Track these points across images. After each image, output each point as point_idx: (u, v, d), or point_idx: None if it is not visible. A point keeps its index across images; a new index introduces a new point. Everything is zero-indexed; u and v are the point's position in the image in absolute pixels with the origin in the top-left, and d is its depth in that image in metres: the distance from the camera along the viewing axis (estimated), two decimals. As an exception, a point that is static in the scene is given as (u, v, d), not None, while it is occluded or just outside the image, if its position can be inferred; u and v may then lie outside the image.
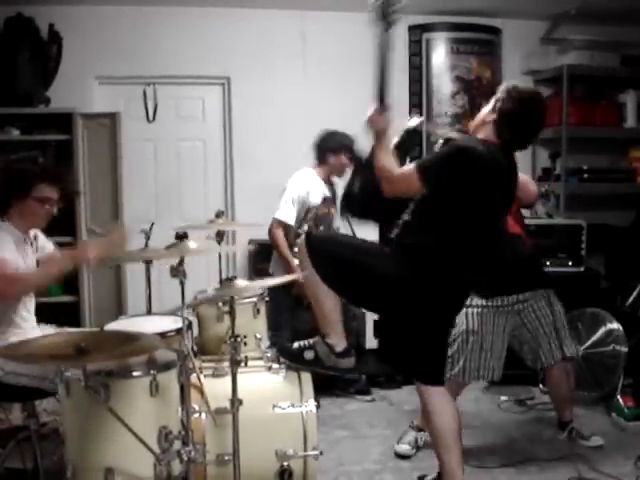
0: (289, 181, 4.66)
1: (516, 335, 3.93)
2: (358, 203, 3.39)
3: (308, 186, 4.63)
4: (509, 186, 3.12)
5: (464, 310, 3.73)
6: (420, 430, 3.96)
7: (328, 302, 3.10)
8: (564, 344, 3.92)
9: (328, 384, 4.60)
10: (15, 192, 3.22)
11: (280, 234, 4.55)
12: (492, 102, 3.13)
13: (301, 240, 3.13)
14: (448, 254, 3.00)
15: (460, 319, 3.80)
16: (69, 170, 4.54)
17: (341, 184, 4.54)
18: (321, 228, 4.66)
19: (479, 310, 3.82)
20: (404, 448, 3.93)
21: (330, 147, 4.66)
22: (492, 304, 3.82)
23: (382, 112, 3.03)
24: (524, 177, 3.38)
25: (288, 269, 4.49)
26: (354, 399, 4.86)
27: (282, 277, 4.43)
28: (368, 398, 4.90)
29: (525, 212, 4.79)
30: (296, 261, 4.46)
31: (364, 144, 3.56)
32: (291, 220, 4.57)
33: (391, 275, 3.01)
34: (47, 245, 3.51)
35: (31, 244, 3.39)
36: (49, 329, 3.37)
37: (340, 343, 3.14)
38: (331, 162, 4.67)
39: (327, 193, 4.72)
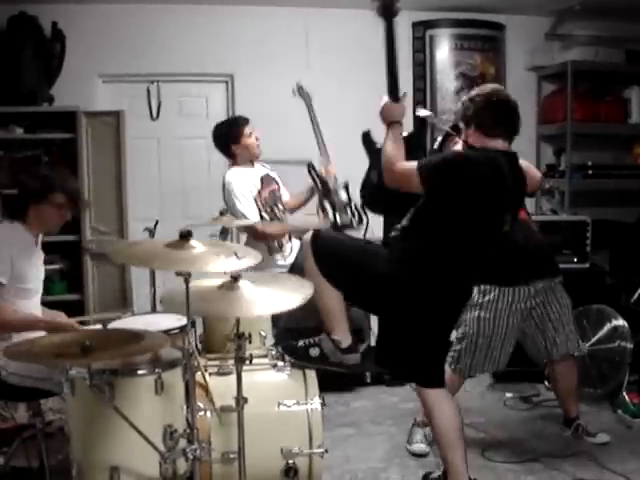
0: (229, 188, 4.44)
1: (522, 328, 3.91)
2: (375, 193, 3.42)
3: (247, 181, 4.48)
4: (514, 187, 3.10)
5: (475, 313, 3.73)
6: (426, 425, 3.94)
7: (332, 297, 3.11)
8: (569, 340, 3.91)
9: (335, 381, 4.60)
10: (33, 198, 3.29)
11: (264, 227, 4.41)
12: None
13: (307, 238, 3.13)
14: (444, 259, 3.02)
15: (471, 321, 3.79)
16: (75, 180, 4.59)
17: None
18: (279, 206, 4.61)
19: (490, 315, 3.78)
20: (420, 447, 3.89)
21: (229, 139, 4.54)
22: (504, 303, 3.78)
23: (396, 102, 3.11)
24: (524, 163, 3.39)
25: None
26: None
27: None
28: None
29: (529, 208, 4.77)
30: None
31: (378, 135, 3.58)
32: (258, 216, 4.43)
33: (386, 275, 3.04)
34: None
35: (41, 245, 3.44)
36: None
37: (345, 339, 3.15)
38: (239, 152, 4.53)
39: (261, 173, 4.61)
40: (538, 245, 3.93)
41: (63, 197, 3.32)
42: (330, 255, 3.11)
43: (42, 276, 3.46)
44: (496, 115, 3.09)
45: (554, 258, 4.15)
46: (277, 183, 4.71)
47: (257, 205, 4.47)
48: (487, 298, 3.75)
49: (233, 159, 4.58)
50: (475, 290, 3.60)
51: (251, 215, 4.38)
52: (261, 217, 4.46)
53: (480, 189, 2.96)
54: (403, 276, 3.01)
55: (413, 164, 3.00)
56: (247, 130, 4.54)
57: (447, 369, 3.50)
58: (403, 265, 3.04)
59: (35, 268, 3.34)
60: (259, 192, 4.51)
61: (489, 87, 3.26)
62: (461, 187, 2.95)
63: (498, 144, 3.07)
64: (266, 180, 4.62)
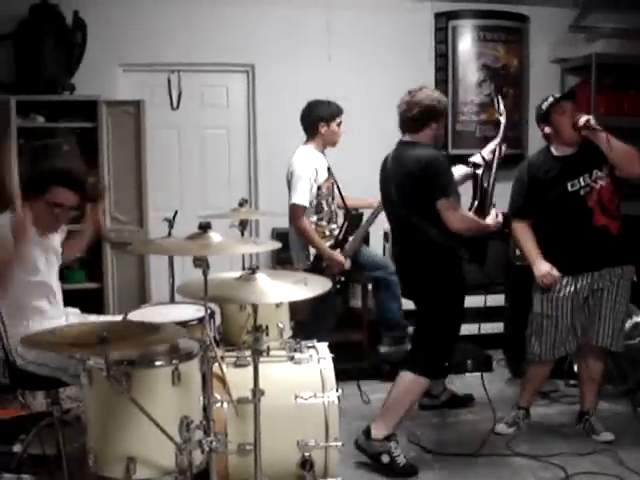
0: (294, 163, 4.48)
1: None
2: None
3: (314, 163, 4.48)
4: (395, 166, 3.63)
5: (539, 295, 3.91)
6: (520, 408, 4.10)
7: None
8: (609, 335, 3.88)
9: (352, 374, 4.59)
10: (32, 191, 3.16)
11: (306, 220, 4.40)
12: None
13: None
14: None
15: (535, 303, 3.95)
16: (93, 168, 4.47)
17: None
18: (329, 199, 4.59)
19: (553, 295, 3.87)
20: (501, 428, 4.03)
21: (321, 117, 4.51)
22: (570, 289, 3.85)
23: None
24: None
25: (318, 256, 4.46)
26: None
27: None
28: None
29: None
30: (327, 243, 4.49)
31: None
32: (308, 202, 4.43)
33: None
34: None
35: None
36: (73, 317, 3.37)
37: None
38: (323, 132, 4.52)
39: (326, 164, 4.60)
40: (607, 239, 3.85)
41: (63, 192, 3.15)
42: None
43: (56, 270, 3.34)
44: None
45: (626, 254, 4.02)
46: (333, 178, 4.69)
47: (319, 191, 4.51)
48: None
49: (312, 137, 4.57)
50: None
51: (302, 196, 4.40)
52: (320, 206, 4.53)
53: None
54: None
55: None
56: (339, 119, 4.57)
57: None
58: None
59: (44, 258, 3.26)
60: (326, 180, 4.55)
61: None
62: None
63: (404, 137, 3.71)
64: (329, 174, 4.62)
